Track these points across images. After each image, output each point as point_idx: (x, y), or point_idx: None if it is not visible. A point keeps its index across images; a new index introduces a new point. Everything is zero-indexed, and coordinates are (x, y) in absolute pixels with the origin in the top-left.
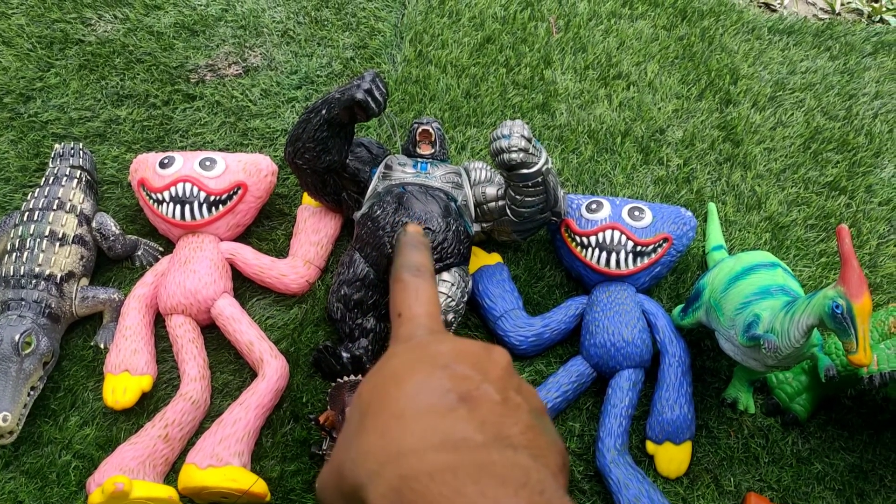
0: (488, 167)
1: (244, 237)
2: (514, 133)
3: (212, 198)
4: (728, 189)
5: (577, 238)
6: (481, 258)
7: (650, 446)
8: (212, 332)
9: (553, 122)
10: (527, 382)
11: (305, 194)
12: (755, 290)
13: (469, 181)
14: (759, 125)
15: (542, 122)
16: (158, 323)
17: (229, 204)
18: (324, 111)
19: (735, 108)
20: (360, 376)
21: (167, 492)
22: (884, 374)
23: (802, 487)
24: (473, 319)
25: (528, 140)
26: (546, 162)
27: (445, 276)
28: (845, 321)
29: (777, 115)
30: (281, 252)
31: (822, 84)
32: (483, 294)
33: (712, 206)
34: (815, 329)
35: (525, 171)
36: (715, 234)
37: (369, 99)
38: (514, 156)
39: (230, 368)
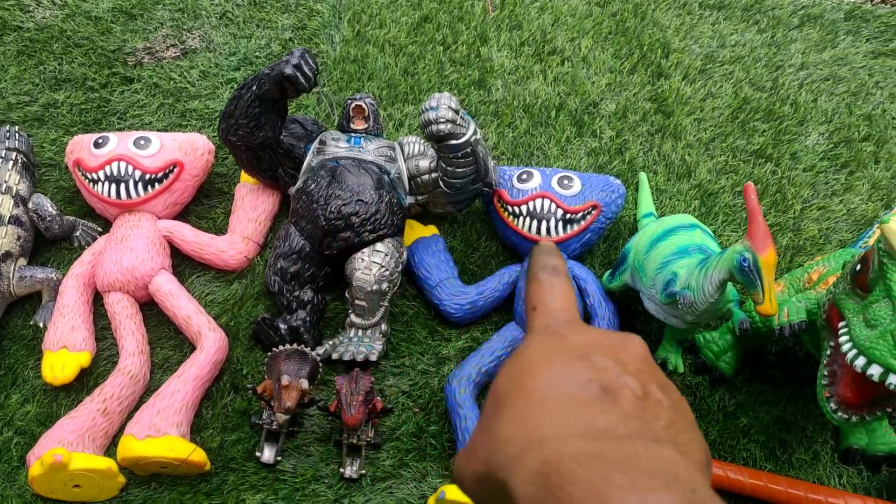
0: (422, 141)
1: (183, 216)
2: (442, 105)
3: (147, 176)
4: (659, 159)
5: (509, 208)
6: (417, 230)
7: None
8: (151, 310)
9: (489, 98)
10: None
11: (243, 172)
12: (674, 249)
13: (403, 155)
14: (689, 97)
15: (478, 97)
16: (98, 302)
17: (165, 182)
18: (255, 87)
19: (666, 80)
20: (297, 346)
21: (106, 463)
22: (793, 325)
23: (728, 441)
24: (411, 290)
25: (456, 111)
26: (474, 133)
27: (379, 246)
28: (752, 273)
29: (707, 86)
30: (221, 230)
31: (750, 56)
32: (419, 264)
33: (643, 176)
34: (731, 285)
35: (454, 141)
36: (645, 203)
37: (298, 74)
38: (441, 127)
39: (170, 344)
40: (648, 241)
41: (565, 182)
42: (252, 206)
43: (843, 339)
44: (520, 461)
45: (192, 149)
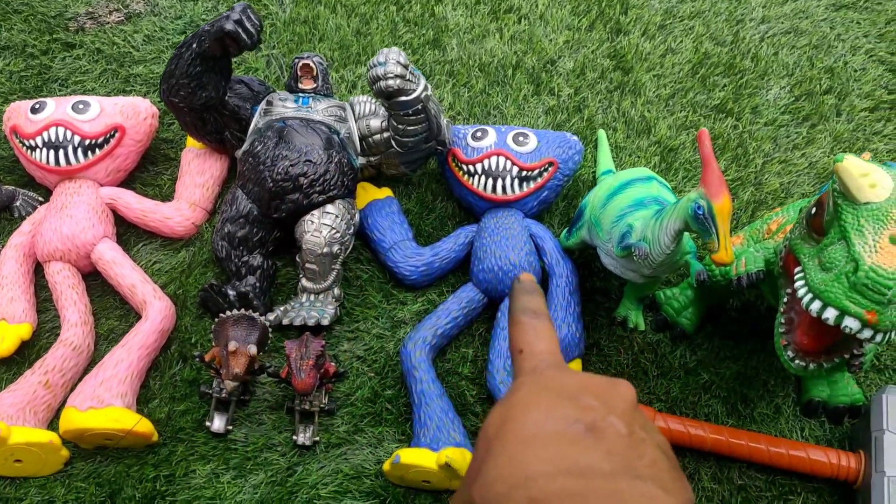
0: (373, 101)
1: (128, 183)
2: (390, 60)
3: (87, 142)
4: (618, 116)
5: (464, 166)
6: (371, 192)
7: None
8: (95, 280)
9: (444, 58)
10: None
11: (190, 137)
12: (630, 202)
13: (354, 115)
14: (648, 53)
15: (433, 57)
16: (40, 273)
17: (106, 148)
18: (195, 45)
19: (625, 37)
20: (246, 311)
21: (47, 437)
22: (750, 275)
23: (690, 397)
24: (365, 253)
25: (405, 67)
26: (425, 89)
27: (329, 208)
28: (707, 221)
29: (667, 42)
30: (167, 197)
31: (710, 11)
32: (373, 227)
33: (602, 133)
34: (688, 236)
35: (404, 98)
36: (605, 160)
37: (240, 30)
38: (390, 83)
39: (116, 314)
40: (604, 195)
41: (521, 139)
42: (199, 171)
43: (798, 283)
44: (508, 498)
45: (133, 113)
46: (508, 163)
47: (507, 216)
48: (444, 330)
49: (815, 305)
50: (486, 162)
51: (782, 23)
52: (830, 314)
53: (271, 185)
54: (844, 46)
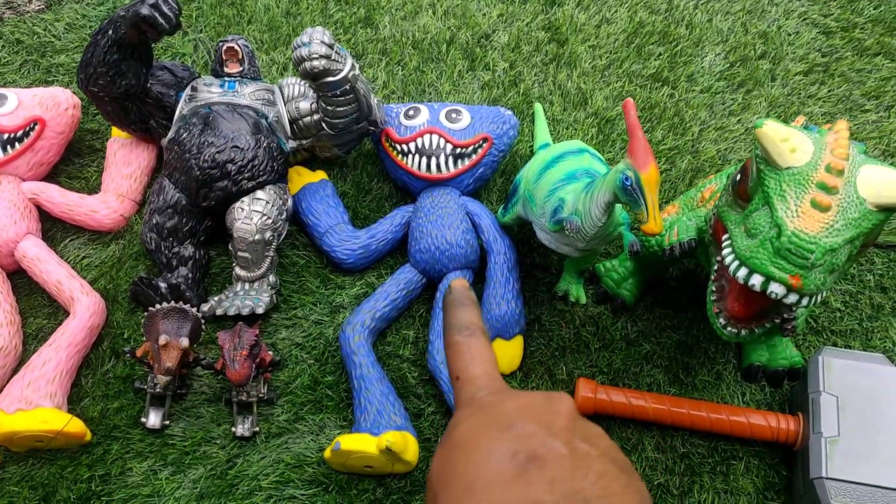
0: (302, 83)
1: (52, 177)
2: (315, 40)
3: (5, 136)
4: (554, 88)
5: (398, 146)
6: (305, 176)
7: None
8: (22, 278)
9: (377, 36)
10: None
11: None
12: (562, 176)
13: (282, 98)
14: (583, 24)
15: (365, 36)
16: None
17: (27, 141)
18: (111, 32)
19: (560, 8)
20: (178, 303)
21: None
22: (682, 244)
23: (632, 368)
24: (301, 238)
25: (330, 46)
26: (352, 69)
27: (260, 194)
28: (635, 192)
29: (601, 12)
30: (94, 190)
31: None
32: (307, 212)
33: (538, 106)
34: (620, 207)
35: (330, 79)
36: (542, 134)
37: (156, 14)
38: (315, 63)
39: (44, 313)
40: (538, 169)
41: (453, 116)
42: (125, 161)
43: (725, 251)
44: None
45: (54, 104)
46: (442, 140)
47: (443, 195)
48: (383, 313)
49: (742, 272)
50: (419, 140)
51: None
52: (756, 280)
53: (198, 173)
54: (778, 11)
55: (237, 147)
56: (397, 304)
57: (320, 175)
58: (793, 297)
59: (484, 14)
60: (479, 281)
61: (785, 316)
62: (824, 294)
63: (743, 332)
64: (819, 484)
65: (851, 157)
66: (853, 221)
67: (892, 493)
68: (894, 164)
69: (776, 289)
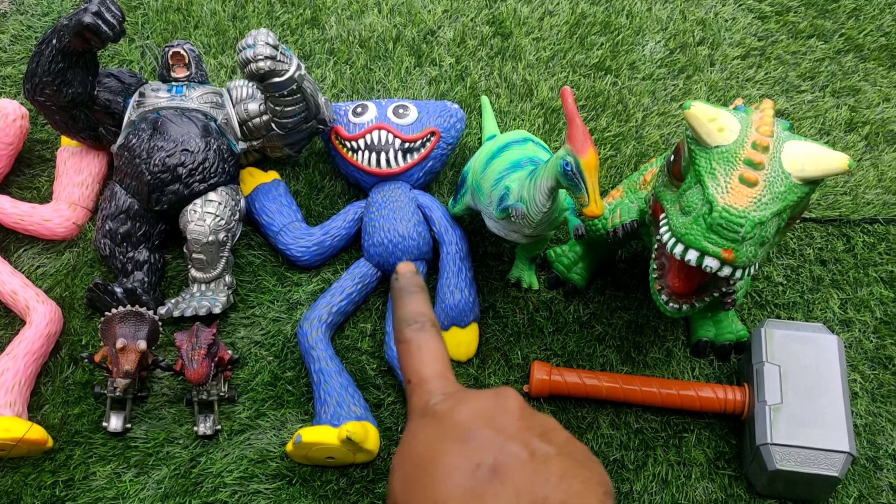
0: (250, 84)
1: (3, 188)
2: (259, 41)
3: None
4: (501, 81)
5: (347, 143)
6: (258, 177)
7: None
8: None
9: (323, 36)
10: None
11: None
12: (507, 165)
13: (231, 100)
14: (527, 17)
15: (312, 37)
16: None
17: None
18: (55, 41)
19: (503, 3)
20: (133, 307)
21: None
22: (625, 225)
23: (585, 349)
24: (256, 238)
25: (275, 47)
26: (298, 68)
27: (212, 196)
28: (575, 177)
29: (544, 5)
30: (46, 199)
31: None
32: (260, 211)
33: (485, 99)
34: (564, 192)
35: (277, 79)
36: (489, 126)
37: (99, 22)
38: (260, 64)
39: (1, 323)
40: (484, 159)
41: (401, 111)
42: (76, 169)
43: (663, 229)
44: None
45: (2, 116)
46: (390, 136)
47: (394, 189)
48: (340, 307)
49: (678, 249)
50: (368, 137)
51: None
52: (692, 255)
53: (149, 177)
54: None
55: (187, 150)
56: (353, 298)
57: (273, 175)
58: (727, 270)
59: (429, 11)
60: (432, 272)
61: (724, 290)
62: (757, 266)
63: (684, 307)
64: (765, 450)
65: (776, 134)
66: (780, 195)
67: (832, 455)
68: (830, 142)
69: (710, 263)
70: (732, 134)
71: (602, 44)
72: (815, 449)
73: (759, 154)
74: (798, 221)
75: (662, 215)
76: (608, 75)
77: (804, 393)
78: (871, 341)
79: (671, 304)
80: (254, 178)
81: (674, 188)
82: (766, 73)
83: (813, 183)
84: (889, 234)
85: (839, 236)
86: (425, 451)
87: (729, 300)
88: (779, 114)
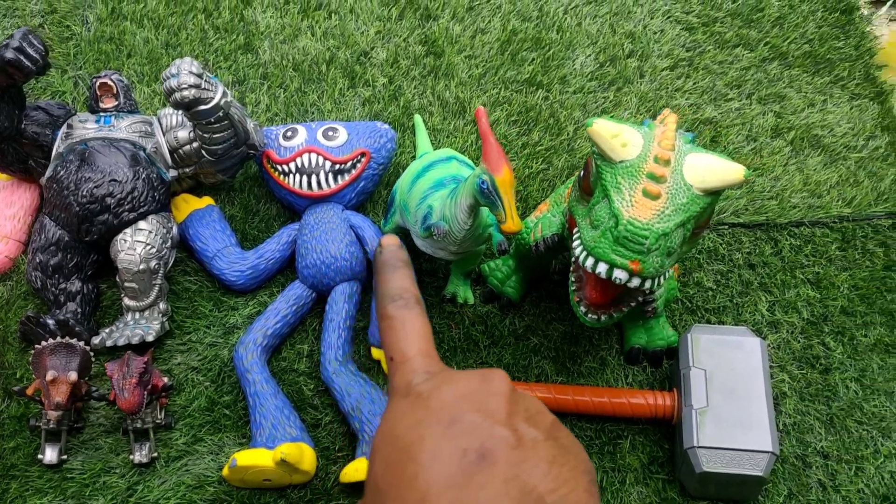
0: (180, 112)
1: None
2: (183, 70)
3: None
4: (434, 99)
5: (278, 167)
6: (192, 203)
7: (374, 352)
8: None
9: (257, 61)
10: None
11: None
12: (431, 183)
13: (161, 128)
14: (459, 35)
15: (246, 62)
16: None
17: None
18: None
19: (435, 22)
20: (66, 339)
21: None
22: (546, 239)
23: (521, 361)
24: (192, 264)
25: (199, 75)
26: (224, 95)
27: (143, 224)
28: (491, 194)
29: (476, 23)
30: None
31: None
32: (194, 238)
33: (417, 118)
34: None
35: (203, 107)
36: (423, 144)
37: (21, 57)
38: (185, 93)
39: None
40: (410, 179)
41: (330, 133)
42: (7, 202)
43: (575, 243)
44: None
45: None
46: (320, 158)
47: (326, 210)
48: (275, 330)
49: (590, 262)
50: (298, 160)
51: None
52: (602, 268)
53: (78, 208)
54: (643, 11)
55: (115, 180)
56: (288, 320)
57: (207, 201)
58: (636, 281)
59: (362, 32)
60: (368, 291)
61: (641, 299)
62: (667, 275)
63: (603, 317)
64: (692, 453)
65: (678, 147)
66: (682, 206)
67: (756, 455)
68: (757, 149)
69: (619, 274)
70: (636, 149)
71: (533, 59)
72: (740, 450)
73: (661, 167)
74: (728, 227)
75: (576, 229)
76: (540, 90)
77: (729, 396)
78: (799, 341)
79: (590, 316)
80: (188, 204)
81: (585, 202)
82: (694, 83)
83: (714, 193)
84: (815, 237)
85: (767, 240)
86: (408, 434)
87: (649, 308)
88: (707, 122)
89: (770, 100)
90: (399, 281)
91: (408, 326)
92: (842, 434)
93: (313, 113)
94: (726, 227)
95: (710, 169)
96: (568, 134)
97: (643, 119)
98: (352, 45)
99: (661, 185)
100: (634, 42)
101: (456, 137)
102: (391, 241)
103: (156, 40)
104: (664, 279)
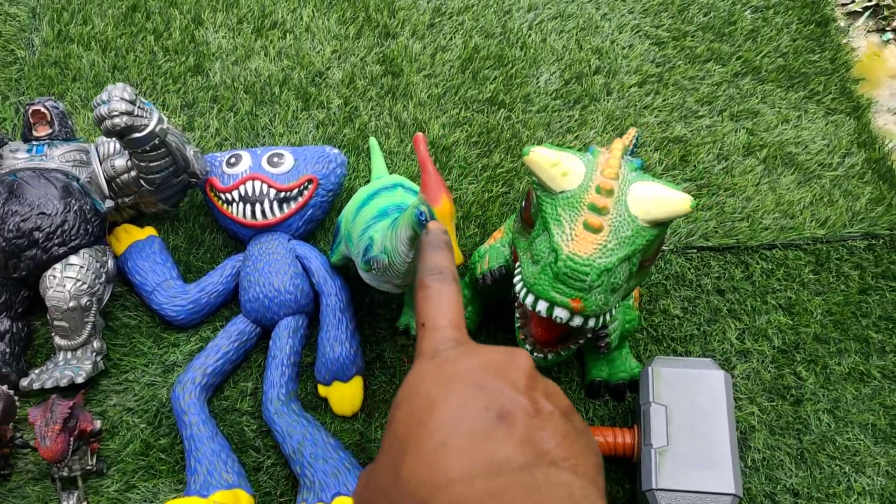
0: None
1: None
2: (114, 97)
3: None
4: (391, 121)
5: (222, 195)
6: (133, 234)
7: (321, 389)
8: None
9: (208, 83)
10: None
11: None
12: (375, 213)
13: (98, 156)
14: (418, 54)
15: (196, 84)
16: None
17: None
18: None
19: (394, 40)
20: None
21: None
22: (493, 271)
23: None
24: (132, 299)
25: (132, 102)
26: (159, 122)
27: (74, 259)
28: None
29: (436, 41)
30: None
31: (479, 4)
32: (133, 271)
33: (373, 141)
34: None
35: (137, 135)
36: (378, 167)
37: None
38: (116, 121)
39: None
40: (355, 207)
41: (275, 160)
42: None
43: (516, 279)
44: (429, 502)
45: None
46: (265, 186)
47: (271, 241)
48: (215, 367)
49: (529, 299)
50: (241, 188)
51: (549, 9)
52: (542, 306)
53: (4, 244)
54: (611, 25)
55: (44, 213)
56: (230, 356)
57: (148, 231)
58: (578, 320)
59: (318, 52)
60: (314, 326)
61: (591, 335)
62: (615, 310)
63: (550, 356)
64: (650, 496)
65: (622, 176)
66: (626, 239)
67: (718, 497)
68: (728, 168)
69: (560, 313)
70: (577, 178)
71: (495, 77)
72: (702, 493)
73: (603, 198)
74: (696, 251)
75: (518, 263)
76: (502, 109)
77: (690, 433)
78: (770, 371)
79: (536, 354)
80: (129, 234)
81: (526, 235)
82: (663, 100)
83: (661, 224)
84: (787, 260)
85: (737, 264)
86: (433, 390)
87: (603, 344)
88: (676, 140)
89: (742, 116)
90: (441, 259)
91: (444, 298)
92: (813, 470)
93: (264, 137)
94: (694, 250)
95: (656, 199)
96: None
97: (609, 138)
98: (307, 66)
99: (603, 218)
100: (602, 58)
101: (413, 161)
102: (438, 227)
103: (103, 63)
104: (610, 316)
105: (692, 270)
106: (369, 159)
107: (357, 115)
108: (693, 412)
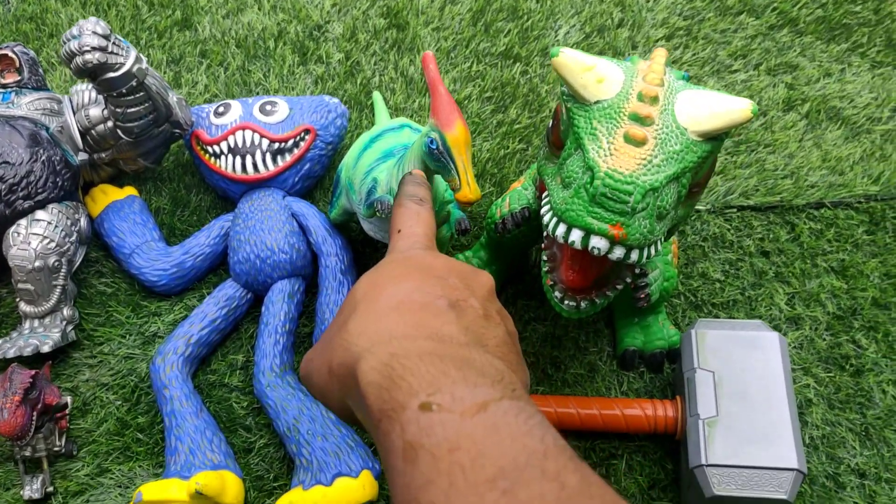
0: (93, 87)
1: None
2: (85, 31)
3: None
4: (396, 76)
5: (209, 148)
6: (110, 194)
7: None
8: None
9: (196, 38)
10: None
11: None
12: (379, 155)
13: (72, 107)
14: (425, 7)
15: (184, 39)
16: None
17: None
18: None
19: None
20: None
21: None
22: (515, 215)
23: None
24: (109, 264)
25: (105, 37)
26: (137, 61)
27: (41, 214)
28: (443, 156)
29: None
30: None
31: None
32: (110, 232)
33: (376, 95)
34: (447, 185)
35: (111, 74)
36: (382, 123)
37: None
38: (88, 57)
39: None
40: (356, 153)
41: (268, 108)
42: None
43: (544, 209)
44: (370, 352)
45: None
46: (257, 136)
47: (264, 197)
48: (201, 337)
49: (560, 230)
50: (230, 139)
51: None
52: (576, 236)
53: None
54: None
55: (7, 163)
56: (218, 325)
57: (129, 191)
58: (619, 252)
59: (316, 5)
60: (312, 289)
61: (629, 280)
62: (660, 249)
63: (583, 304)
64: (700, 473)
65: (668, 83)
66: (675, 155)
67: (778, 473)
68: (768, 124)
69: (597, 243)
70: (615, 86)
71: (510, 30)
72: (759, 468)
73: (647, 107)
74: (736, 210)
75: (545, 193)
76: (517, 63)
77: (743, 402)
78: (825, 339)
79: (567, 302)
80: (106, 195)
81: (555, 159)
82: (693, 54)
83: (715, 139)
84: (837, 219)
85: (782, 224)
86: (399, 270)
87: (641, 295)
88: None
89: (780, 70)
90: (421, 191)
91: (421, 215)
92: (880, 447)
93: (258, 92)
94: (734, 210)
95: (709, 107)
96: (549, 110)
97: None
98: (304, 19)
99: (647, 129)
100: (625, 10)
101: (421, 116)
102: (420, 173)
103: (82, 18)
104: (655, 251)
105: (732, 231)
106: (373, 115)
107: (359, 69)
108: (745, 379)
